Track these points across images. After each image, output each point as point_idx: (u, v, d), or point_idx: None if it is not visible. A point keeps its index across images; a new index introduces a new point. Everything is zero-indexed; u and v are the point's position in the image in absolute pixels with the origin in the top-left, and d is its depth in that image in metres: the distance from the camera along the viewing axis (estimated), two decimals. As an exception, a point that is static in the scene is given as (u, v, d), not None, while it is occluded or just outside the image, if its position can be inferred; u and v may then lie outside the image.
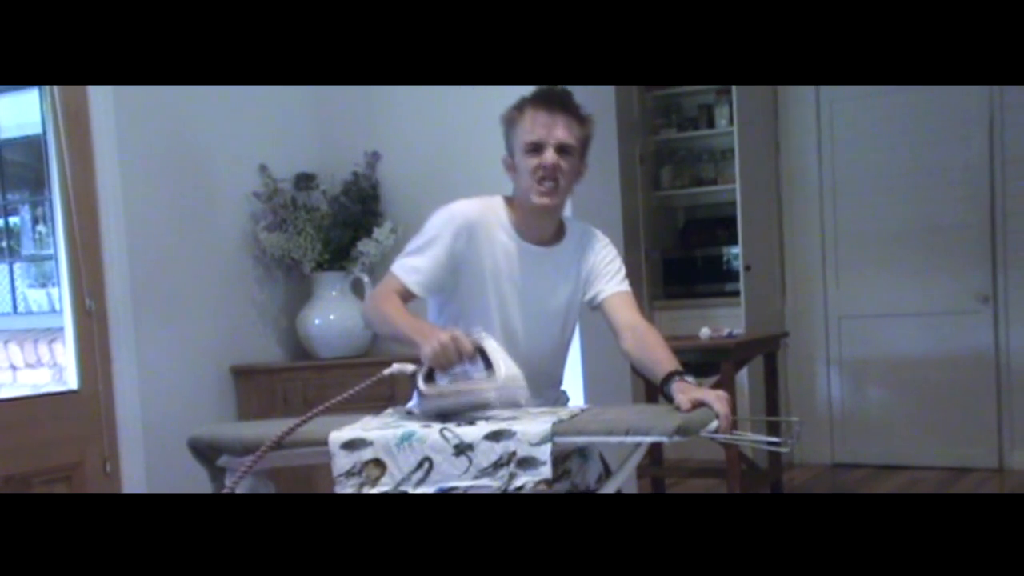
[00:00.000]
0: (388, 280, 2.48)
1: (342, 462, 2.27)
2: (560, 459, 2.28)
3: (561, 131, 2.39)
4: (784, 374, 6.10)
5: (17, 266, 4.79)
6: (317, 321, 4.12)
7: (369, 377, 2.42)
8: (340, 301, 4.14)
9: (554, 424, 2.18)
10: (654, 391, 5.19)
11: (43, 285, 4.75)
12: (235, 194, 4.08)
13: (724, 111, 6.28)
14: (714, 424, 2.20)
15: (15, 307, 4.74)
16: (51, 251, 3.88)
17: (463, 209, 2.46)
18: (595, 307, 2.58)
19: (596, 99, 4.12)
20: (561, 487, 2.32)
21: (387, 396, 3.40)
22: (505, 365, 2.26)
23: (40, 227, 4.69)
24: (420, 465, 2.20)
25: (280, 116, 4.26)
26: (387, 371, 2.41)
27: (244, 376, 4.04)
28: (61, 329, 3.67)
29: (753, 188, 5.95)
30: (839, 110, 6.08)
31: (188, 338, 3.88)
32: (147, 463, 3.67)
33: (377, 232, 4.06)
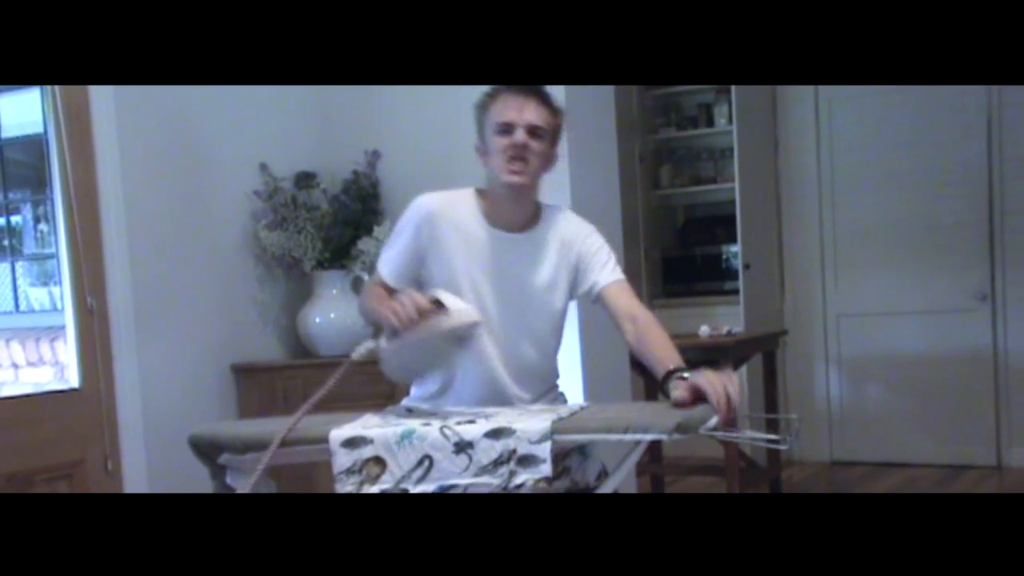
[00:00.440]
0: (374, 275, 2.59)
1: (342, 460, 2.27)
2: (560, 457, 2.29)
3: (531, 113, 2.44)
4: (783, 372, 6.11)
5: (19, 264, 4.80)
6: (317, 319, 4.13)
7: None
8: (340, 299, 4.15)
9: (554, 422, 2.19)
10: (654, 389, 5.22)
11: (45, 283, 4.76)
12: (236, 193, 4.09)
13: (723, 110, 6.29)
14: (713, 421, 2.21)
15: (17, 305, 4.75)
16: (53, 250, 3.89)
17: (426, 201, 2.52)
18: (594, 300, 2.57)
19: (596, 98, 4.14)
20: (561, 485, 2.33)
21: (387, 394, 3.41)
22: (456, 301, 2.32)
23: (42, 226, 4.70)
24: (420, 463, 2.21)
25: (280, 115, 4.27)
26: (355, 355, 2.43)
27: (245, 374, 4.05)
28: (63, 327, 3.68)
29: (752, 187, 5.96)
30: (838, 109, 6.09)
31: (189, 336, 3.89)
32: (148, 461, 3.68)
33: (377, 231, 4.07)
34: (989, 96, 5.68)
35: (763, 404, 5.39)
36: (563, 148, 3.84)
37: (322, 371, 3.95)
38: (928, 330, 5.93)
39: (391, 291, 2.48)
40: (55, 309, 4.32)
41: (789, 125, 6.25)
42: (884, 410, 6.11)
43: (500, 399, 2.52)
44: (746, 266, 5.88)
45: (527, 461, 2.15)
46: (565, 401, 2.68)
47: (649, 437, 2.18)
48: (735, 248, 5.99)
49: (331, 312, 4.15)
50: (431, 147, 4.21)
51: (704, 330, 5.06)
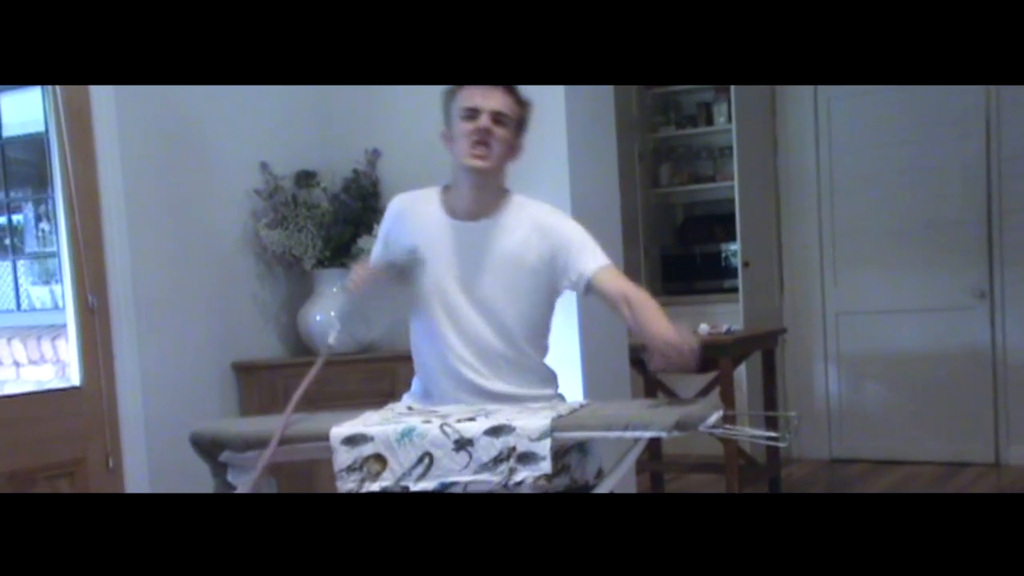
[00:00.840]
0: None
1: (343, 457, 2.29)
2: (559, 454, 2.29)
3: (496, 100, 2.49)
4: (782, 370, 6.12)
5: (21, 263, 4.81)
6: (318, 317, 4.13)
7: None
8: (341, 297, 4.15)
9: (553, 419, 2.20)
10: (653, 387, 5.23)
11: (46, 282, 4.76)
12: (236, 191, 4.10)
13: (722, 109, 6.30)
14: (713, 418, 2.22)
15: (19, 304, 4.75)
16: (54, 248, 3.90)
17: (396, 201, 2.69)
18: (586, 290, 2.54)
19: (595, 97, 4.15)
20: (560, 482, 2.34)
21: (388, 392, 3.42)
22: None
23: (43, 224, 4.71)
24: (420, 460, 2.22)
25: (281, 114, 4.28)
26: (330, 339, 2.56)
27: (245, 372, 4.06)
28: (64, 326, 3.69)
29: (751, 185, 5.97)
30: (837, 108, 6.10)
31: (190, 334, 3.90)
32: (149, 459, 3.69)
33: (377, 229, 4.07)
34: (988, 95, 5.68)
35: (762, 402, 5.41)
36: (563, 147, 3.92)
37: (323, 369, 3.98)
38: (927, 328, 5.94)
39: None
40: (56, 307, 4.33)
41: (788, 124, 6.26)
42: (883, 408, 6.12)
43: (471, 387, 2.53)
44: (745, 264, 5.89)
45: (527, 458, 2.16)
46: (563, 400, 2.69)
47: (648, 434, 2.19)
48: (734, 246, 6.00)
49: (331, 310, 4.14)
50: (431, 146, 4.17)
51: (703, 328, 5.07)
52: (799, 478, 5.84)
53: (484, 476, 2.19)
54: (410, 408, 2.54)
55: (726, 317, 5.53)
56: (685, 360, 2.31)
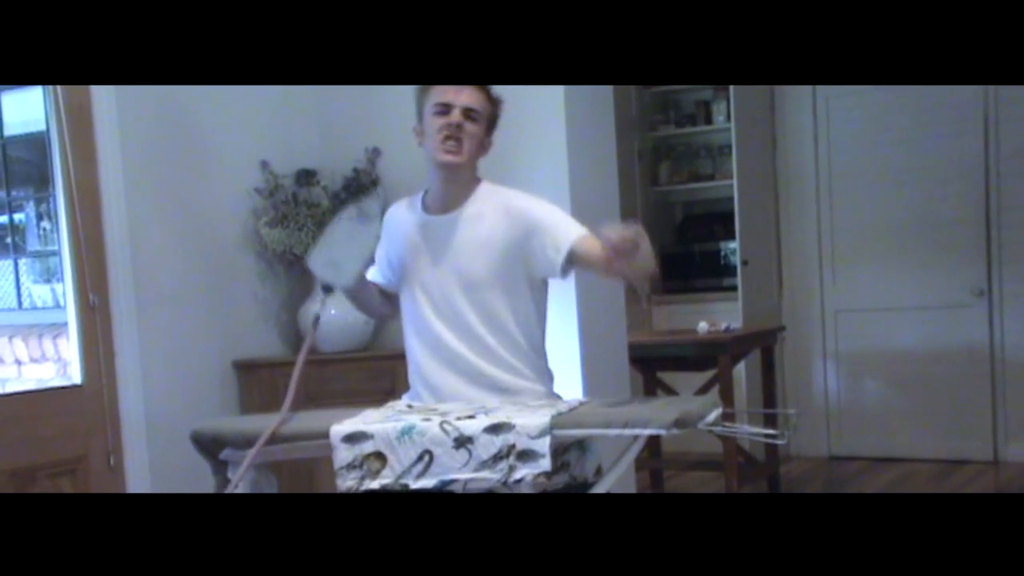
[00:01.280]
0: None
1: (343, 455, 2.30)
2: (559, 452, 2.31)
3: (468, 96, 2.53)
4: (781, 368, 6.13)
5: (22, 262, 4.81)
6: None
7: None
8: (341, 296, 4.13)
9: (553, 417, 2.21)
10: (653, 384, 5.24)
11: (48, 281, 4.77)
12: (237, 190, 4.11)
13: (721, 107, 6.31)
14: (712, 416, 2.23)
15: (20, 302, 4.76)
16: (55, 247, 3.90)
17: (388, 209, 2.78)
18: (568, 262, 2.49)
19: (595, 96, 4.16)
20: (560, 480, 2.35)
21: (388, 390, 3.43)
22: None
23: (44, 223, 4.72)
24: (420, 458, 2.24)
25: (281, 113, 4.29)
26: (316, 308, 2.64)
27: (246, 370, 4.07)
28: (65, 324, 3.70)
29: (750, 184, 5.98)
30: (835, 106, 6.10)
31: (190, 333, 3.91)
32: (150, 457, 3.70)
33: (377, 227, 4.09)
34: (985, 93, 5.69)
35: (761, 399, 5.42)
36: (562, 145, 3.93)
37: (323, 367, 4.00)
38: (925, 326, 5.95)
39: (377, 286, 2.73)
40: (58, 306, 4.33)
41: (787, 122, 6.27)
42: (881, 405, 6.13)
43: (464, 371, 2.54)
44: (744, 262, 5.90)
45: (526, 456, 2.17)
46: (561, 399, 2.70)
47: (648, 432, 2.20)
48: (733, 244, 6.01)
49: (332, 308, 4.15)
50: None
51: (703, 326, 5.08)
52: (798, 475, 5.86)
53: (484, 474, 2.20)
54: (410, 406, 2.55)
55: (725, 315, 5.54)
56: (637, 251, 2.22)
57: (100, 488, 3.55)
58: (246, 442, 2.44)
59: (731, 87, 5.89)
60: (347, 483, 2.28)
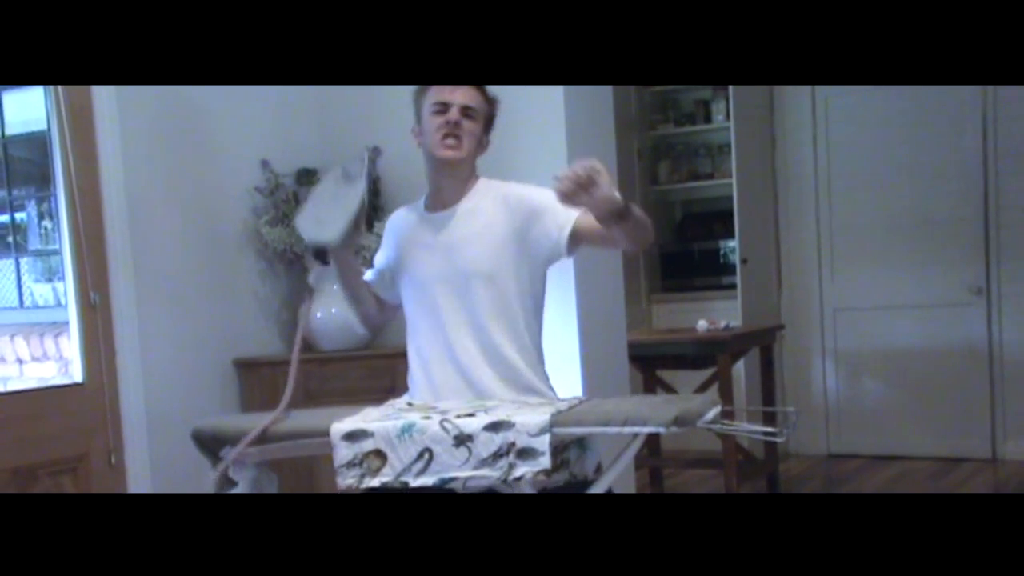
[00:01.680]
0: None
1: (343, 453, 2.31)
2: (559, 450, 2.32)
3: (465, 96, 2.57)
4: (780, 366, 6.14)
5: (24, 261, 4.82)
6: (319, 314, 4.15)
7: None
8: (341, 295, 4.16)
9: (553, 415, 2.22)
10: (652, 383, 5.25)
11: (49, 279, 4.77)
12: (237, 189, 4.12)
13: (721, 107, 6.33)
14: (712, 414, 2.24)
15: (21, 301, 4.76)
16: (56, 246, 3.91)
17: (391, 216, 2.84)
18: (572, 241, 2.51)
19: (594, 95, 4.17)
20: (559, 477, 2.36)
21: (388, 388, 3.44)
22: None
23: (46, 222, 4.72)
24: (420, 456, 2.24)
25: (282, 112, 4.30)
26: (309, 278, 2.66)
27: (247, 369, 4.08)
28: (66, 323, 3.70)
29: (749, 183, 5.99)
30: (834, 105, 6.12)
31: (191, 331, 3.92)
32: (151, 455, 3.70)
33: (378, 226, 4.09)
34: (984, 92, 5.71)
35: (760, 398, 5.43)
36: (562, 144, 3.94)
37: (324, 366, 4.02)
38: (924, 324, 5.97)
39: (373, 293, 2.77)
40: (59, 305, 4.34)
41: (786, 121, 6.28)
42: (880, 403, 6.15)
43: (461, 357, 2.56)
44: (743, 261, 5.91)
45: (526, 454, 2.18)
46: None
47: (647, 430, 2.21)
48: (733, 243, 6.02)
49: (332, 307, 4.17)
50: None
51: (702, 324, 5.09)
52: (797, 473, 5.87)
53: (483, 471, 2.21)
54: (410, 404, 2.56)
55: (724, 314, 5.55)
56: (596, 184, 2.21)
57: (101, 486, 3.55)
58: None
59: (730, 87, 5.90)
60: (347, 481, 2.29)
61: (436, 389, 2.58)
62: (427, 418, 2.28)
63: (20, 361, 4.67)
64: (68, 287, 3.61)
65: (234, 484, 2.51)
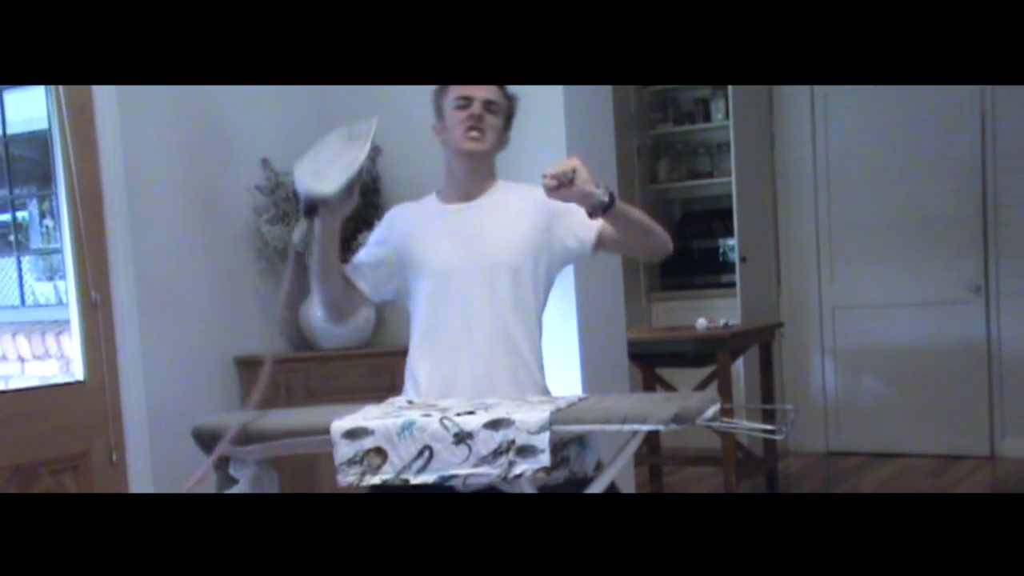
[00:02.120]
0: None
1: (344, 451, 2.31)
2: (558, 447, 2.32)
3: (487, 91, 2.60)
4: (779, 364, 6.16)
5: (25, 259, 4.82)
6: (319, 313, 4.16)
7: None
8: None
9: (552, 413, 2.23)
10: (651, 381, 5.26)
11: (50, 278, 4.78)
12: (238, 188, 4.12)
13: (720, 106, 6.34)
14: (711, 411, 2.25)
15: (23, 300, 4.77)
16: (58, 245, 3.92)
17: (393, 208, 2.85)
18: (598, 241, 2.58)
19: (594, 94, 4.18)
20: (559, 475, 2.36)
21: (388, 386, 3.45)
22: None
23: (47, 221, 4.73)
24: (420, 453, 2.25)
25: (282, 111, 4.30)
26: (295, 237, 2.61)
27: (247, 367, 4.08)
28: (68, 321, 3.71)
29: (749, 181, 6.01)
30: (833, 104, 6.13)
31: (192, 330, 3.93)
32: (152, 453, 3.71)
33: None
34: (982, 91, 5.72)
35: (759, 395, 5.44)
36: (561, 143, 3.95)
37: (324, 364, 4.02)
38: (922, 322, 5.98)
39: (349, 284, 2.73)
40: (60, 303, 4.34)
41: (785, 120, 6.29)
42: (879, 401, 6.16)
43: (472, 348, 2.56)
44: (743, 259, 5.92)
45: (526, 451, 2.19)
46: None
47: (646, 427, 2.22)
48: (732, 241, 6.04)
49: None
50: (431, 143, 4.22)
51: (701, 323, 5.10)
52: (796, 471, 5.88)
53: (483, 469, 2.21)
54: (410, 402, 2.57)
55: (724, 312, 5.57)
56: (575, 179, 2.37)
57: (102, 484, 3.56)
58: (246, 438, 2.46)
59: (729, 86, 5.91)
60: (347, 479, 2.30)
61: (448, 379, 2.59)
62: (427, 416, 2.29)
63: (21, 359, 4.67)
64: (69, 285, 3.62)
65: (235, 482, 2.51)
